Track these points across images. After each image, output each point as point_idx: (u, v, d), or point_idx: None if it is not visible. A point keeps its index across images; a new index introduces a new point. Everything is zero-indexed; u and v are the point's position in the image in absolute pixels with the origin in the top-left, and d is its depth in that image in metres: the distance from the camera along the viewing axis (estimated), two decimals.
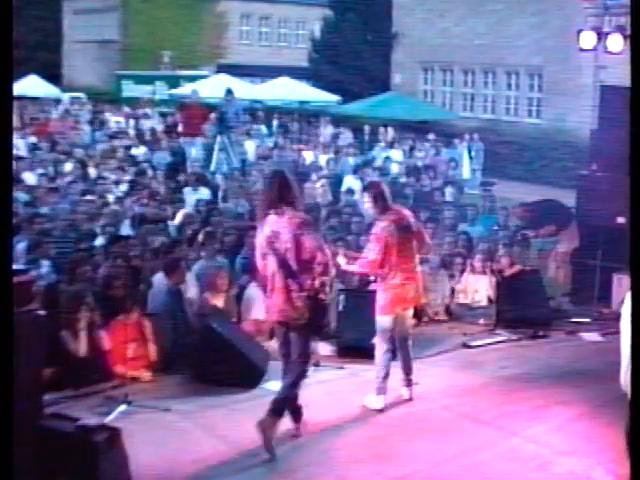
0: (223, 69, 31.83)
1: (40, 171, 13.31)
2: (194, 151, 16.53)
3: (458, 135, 20.14)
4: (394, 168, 16.05)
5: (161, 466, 5.43)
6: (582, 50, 12.01)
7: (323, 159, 16.38)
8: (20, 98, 22.81)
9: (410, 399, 6.69)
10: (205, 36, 38.08)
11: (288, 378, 5.84)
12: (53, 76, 36.38)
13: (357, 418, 6.38)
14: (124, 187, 12.47)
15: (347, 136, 20.64)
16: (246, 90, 24.61)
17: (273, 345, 7.73)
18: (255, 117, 20.68)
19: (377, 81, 28.34)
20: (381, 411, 6.46)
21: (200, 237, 9.18)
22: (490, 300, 9.47)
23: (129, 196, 11.58)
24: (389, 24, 28.84)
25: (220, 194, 12.70)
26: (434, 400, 6.80)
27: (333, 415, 6.32)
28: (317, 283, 5.64)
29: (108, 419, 5.86)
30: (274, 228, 5.70)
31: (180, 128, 18.48)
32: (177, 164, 15.08)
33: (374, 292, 6.74)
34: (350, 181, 13.94)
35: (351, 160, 16.30)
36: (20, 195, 10.74)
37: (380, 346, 6.54)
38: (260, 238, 5.83)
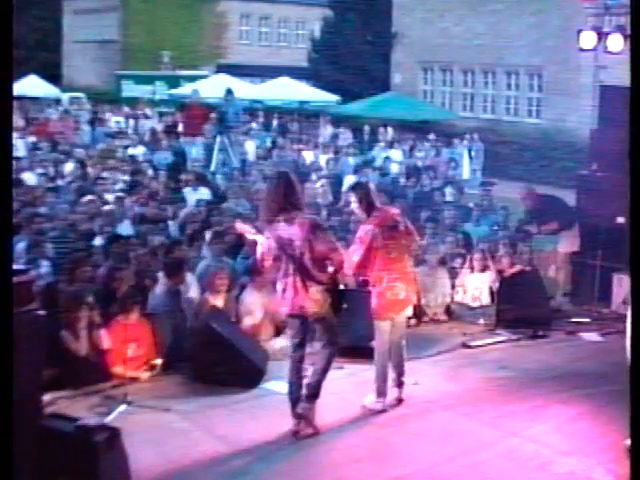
0: (223, 69, 31.86)
1: (40, 171, 13.31)
2: (194, 151, 16.54)
3: (458, 135, 20.15)
4: (394, 168, 16.05)
5: (161, 466, 5.43)
6: (582, 50, 12.00)
7: (323, 159, 16.38)
8: (20, 98, 22.81)
9: (400, 400, 6.65)
10: (205, 36, 38.10)
11: (318, 364, 6.01)
12: (53, 76, 36.39)
13: (357, 418, 6.37)
14: (124, 187, 12.46)
15: (347, 136, 20.65)
16: (246, 90, 24.63)
17: (273, 345, 7.78)
18: (255, 117, 20.70)
19: (377, 81, 28.36)
20: (381, 411, 6.46)
21: (207, 237, 9.20)
22: (492, 295, 9.44)
23: (129, 196, 11.57)
24: (389, 24, 28.86)
25: (220, 194, 12.69)
26: (434, 400, 6.79)
27: (333, 415, 6.31)
28: (334, 275, 5.90)
29: (108, 419, 5.86)
30: (285, 236, 5.79)
31: (180, 128, 18.49)
32: (178, 164, 15.08)
33: None
34: (350, 181, 13.92)
35: (351, 160, 16.31)
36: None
37: (378, 348, 6.53)
38: (269, 241, 5.87)
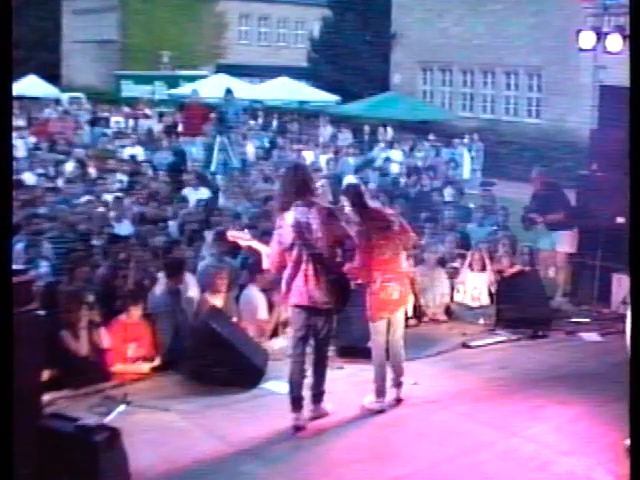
0: (222, 69, 31.84)
1: (40, 171, 13.31)
2: (194, 151, 16.54)
3: (458, 135, 20.15)
4: (394, 168, 16.05)
5: (161, 466, 5.43)
6: (581, 50, 11.98)
7: (323, 159, 16.38)
8: (19, 98, 22.80)
9: (399, 400, 6.65)
10: (204, 36, 38.07)
11: (316, 365, 6.15)
12: (52, 76, 36.35)
13: (357, 418, 6.37)
14: (124, 187, 12.47)
15: (347, 136, 20.66)
16: (245, 90, 24.61)
17: (273, 345, 7.78)
18: (254, 117, 20.70)
19: (376, 81, 28.36)
20: (381, 411, 6.45)
21: (208, 237, 9.19)
22: (491, 295, 9.45)
23: (129, 196, 11.57)
24: (388, 24, 28.86)
25: (220, 194, 12.69)
26: (434, 400, 6.78)
27: (333, 415, 6.31)
28: (345, 268, 5.98)
29: (108, 419, 5.86)
30: (303, 219, 5.86)
31: (180, 128, 18.49)
32: (178, 164, 15.09)
33: None
34: (350, 181, 13.91)
35: (351, 160, 16.31)
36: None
37: (375, 348, 6.53)
38: (284, 229, 5.92)
